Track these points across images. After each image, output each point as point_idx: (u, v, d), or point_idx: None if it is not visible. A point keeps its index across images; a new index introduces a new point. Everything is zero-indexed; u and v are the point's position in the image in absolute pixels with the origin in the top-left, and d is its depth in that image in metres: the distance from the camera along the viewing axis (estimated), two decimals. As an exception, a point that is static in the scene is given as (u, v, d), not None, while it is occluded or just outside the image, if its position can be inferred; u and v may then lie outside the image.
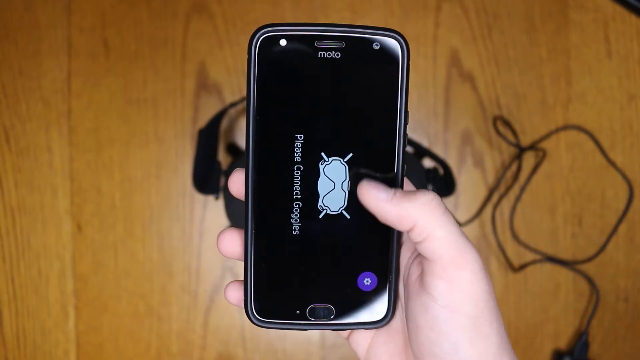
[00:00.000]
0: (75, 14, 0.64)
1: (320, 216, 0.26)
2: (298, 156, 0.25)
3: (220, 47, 0.64)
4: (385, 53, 0.25)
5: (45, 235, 0.64)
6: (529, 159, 0.65)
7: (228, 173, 0.57)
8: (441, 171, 0.59)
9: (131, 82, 0.64)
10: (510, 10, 0.65)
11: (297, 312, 0.27)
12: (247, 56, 0.25)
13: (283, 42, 0.25)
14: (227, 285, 0.28)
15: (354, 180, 0.26)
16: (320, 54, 0.25)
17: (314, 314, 0.27)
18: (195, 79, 0.64)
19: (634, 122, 0.65)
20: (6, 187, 0.64)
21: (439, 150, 0.65)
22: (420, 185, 0.56)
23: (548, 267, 0.65)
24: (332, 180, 0.26)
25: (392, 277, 0.27)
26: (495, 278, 0.65)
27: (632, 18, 0.65)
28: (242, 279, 0.27)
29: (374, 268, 0.27)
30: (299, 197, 0.26)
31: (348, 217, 0.26)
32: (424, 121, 0.65)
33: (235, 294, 0.28)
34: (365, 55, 0.25)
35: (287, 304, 0.27)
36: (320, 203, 0.26)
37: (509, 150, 0.65)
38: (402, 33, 0.25)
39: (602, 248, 0.65)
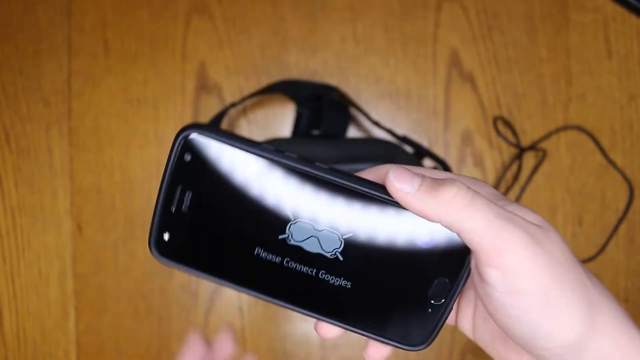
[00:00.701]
0: (75, 14, 0.64)
1: (335, 262, 0.25)
2: (278, 259, 0.25)
3: (220, 47, 0.64)
4: (197, 150, 0.24)
5: (45, 235, 0.64)
6: (529, 159, 0.65)
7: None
8: (441, 171, 0.59)
9: (131, 82, 0.64)
10: (510, 10, 0.65)
11: None
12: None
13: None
14: (367, 349, 0.27)
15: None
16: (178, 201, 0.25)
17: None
18: (195, 79, 0.64)
19: (634, 122, 0.65)
20: (6, 187, 0.64)
21: (439, 150, 0.65)
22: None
23: (548, 267, 0.65)
24: (306, 238, 0.25)
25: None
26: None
27: (632, 18, 0.65)
28: (365, 333, 0.27)
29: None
30: (311, 272, 0.25)
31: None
32: (424, 121, 0.65)
33: (377, 356, 0.27)
34: (199, 165, 0.24)
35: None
36: (328, 255, 0.25)
37: (509, 151, 0.65)
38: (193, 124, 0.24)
39: (602, 248, 0.65)
